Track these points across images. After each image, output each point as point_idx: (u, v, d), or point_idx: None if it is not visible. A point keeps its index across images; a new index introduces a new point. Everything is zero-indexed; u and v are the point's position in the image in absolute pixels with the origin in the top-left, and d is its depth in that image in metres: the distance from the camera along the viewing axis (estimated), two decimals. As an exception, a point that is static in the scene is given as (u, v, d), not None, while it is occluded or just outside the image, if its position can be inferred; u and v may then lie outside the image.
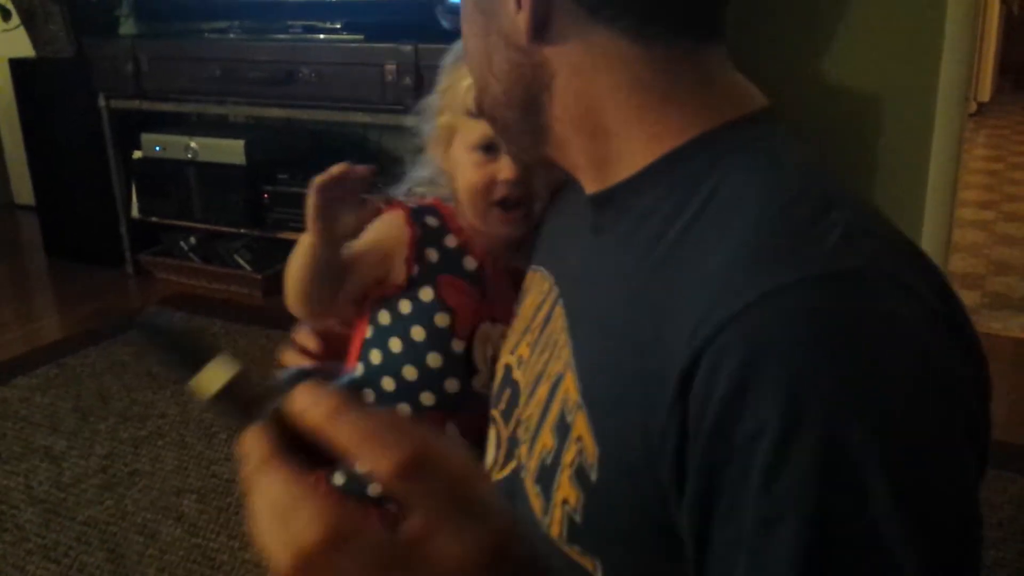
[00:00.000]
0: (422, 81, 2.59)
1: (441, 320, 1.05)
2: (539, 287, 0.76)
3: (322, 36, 2.88)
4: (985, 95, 6.65)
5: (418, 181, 1.11)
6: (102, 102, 3.20)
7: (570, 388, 0.60)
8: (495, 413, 0.77)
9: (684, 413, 0.49)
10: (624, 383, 0.54)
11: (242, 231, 3.14)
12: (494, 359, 1.03)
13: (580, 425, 0.57)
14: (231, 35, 3.12)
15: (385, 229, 1.07)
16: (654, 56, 0.58)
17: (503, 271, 1.06)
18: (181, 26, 3.28)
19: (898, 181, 2.56)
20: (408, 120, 1.10)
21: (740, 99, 0.61)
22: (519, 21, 0.59)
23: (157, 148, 3.19)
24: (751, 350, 0.46)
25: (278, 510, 0.40)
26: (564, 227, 0.79)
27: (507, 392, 0.74)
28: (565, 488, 0.58)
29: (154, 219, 3.30)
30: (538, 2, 0.58)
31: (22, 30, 3.31)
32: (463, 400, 1.05)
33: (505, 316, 1.02)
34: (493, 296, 1.05)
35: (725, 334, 0.47)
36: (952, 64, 2.45)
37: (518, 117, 0.65)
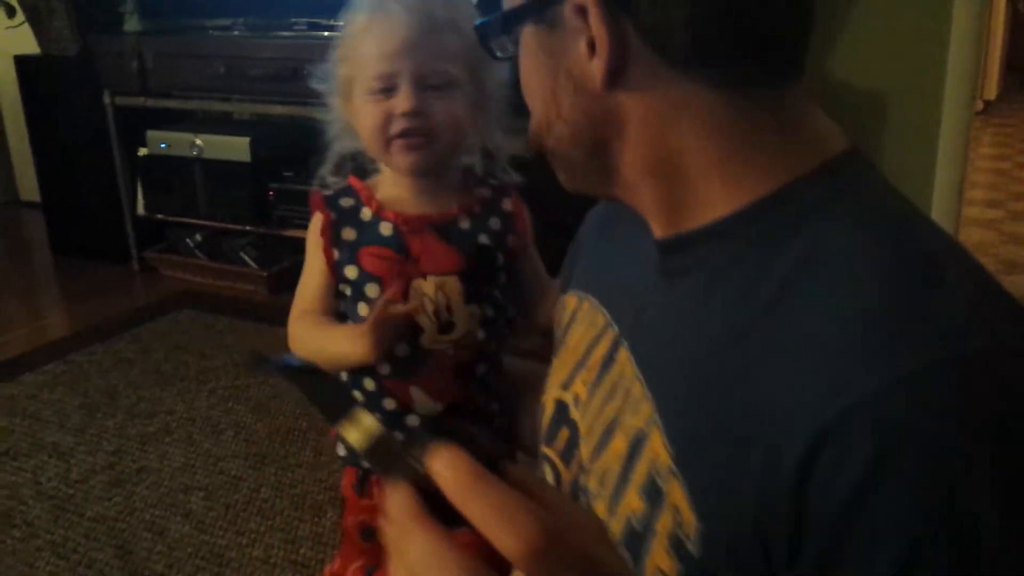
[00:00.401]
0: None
1: (371, 291, 1.08)
2: (590, 319, 0.74)
3: (326, 33, 2.88)
4: (992, 93, 6.64)
5: (337, 155, 1.14)
6: (107, 99, 3.21)
7: (659, 450, 0.57)
8: (549, 452, 0.74)
9: (803, 502, 0.47)
10: (727, 458, 0.52)
11: (247, 228, 3.14)
12: (437, 312, 1.07)
13: (675, 494, 0.55)
14: (235, 32, 3.12)
15: (312, 227, 1.13)
16: (736, 103, 0.57)
17: (421, 224, 1.09)
18: (185, 23, 3.28)
19: (904, 180, 2.54)
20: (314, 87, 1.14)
21: (823, 142, 0.59)
22: (592, 67, 0.57)
23: (162, 145, 3.19)
24: (882, 442, 0.44)
25: (423, 569, 0.40)
26: (616, 258, 0.77)
27: (563, 431, 0.72)
28: (659, 557, 0.56)
29: (160, 216, 3.31)
30: (615, 50, 0.56)
31: (27, 27, 3.32)
32: (417, 362, 1.08)
33: (434, 266, 1.08)
34: (417, 252, 1.08)
35: (851, 422, 0.45)
36: (958, 62, 2.45)
37: (585, 158, 0.63)
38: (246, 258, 3.19)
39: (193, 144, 3.12)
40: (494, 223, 1.13)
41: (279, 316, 2.76)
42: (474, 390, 1.12)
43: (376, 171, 1.15)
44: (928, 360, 0.46)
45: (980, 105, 6.05)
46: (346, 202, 1.11)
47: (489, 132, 1.13)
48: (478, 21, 0.66)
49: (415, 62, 1.03)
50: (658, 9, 0.54)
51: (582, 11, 0.56)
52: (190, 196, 3.18)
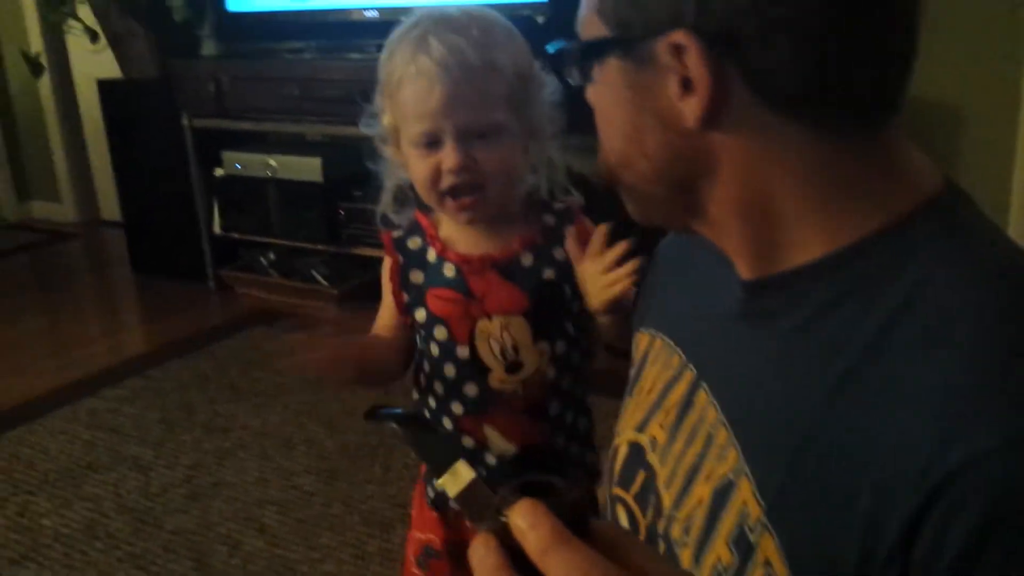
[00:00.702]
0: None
1: (440, 333, 1.08)
2: (664, 359, 0.73)
3: (396, 54, 2.93)
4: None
5: (394, 188, 1.13)
6: (185, 121, 3.31)
7: (748, 501, 0.56)
8: (624, 494, 0.73)
9: (909, 562, 0.46)
10: (825, 514, 0.51)
11: (319, 247, 3.21)
12: (503, 352, 1.06)
13: (768, 548, 0.54)
14: (308, 55, 3.19)
15: (384, 267, 1.13)
16: (833, 146, 0.55)
17: (483, 264, 1.07)
18: (260, 47, 3.37)
19: (979, 195, 2.49)
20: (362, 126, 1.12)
21: (920, 182, 0.58)
22: (686, 106, 0.56)
23: (238, 166, 3.28)
24: (994, 506, 0.43)
25: None
26: (690, 296, 0.75)
27: (640, 475, 0.70)
28: None
29: (235, 235, 3.40)
30: (715, 91, 0.54)
31: (109, 51, 3.44)
32: (488, 402, 1.07)
33: (499, 306, 1.06)
34: (480, 292, 1.06)
35: (961, 483, 0.44)
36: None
37: (668, 195, 0.62)
38: (317, 276, 3.25)
39: (267, 165, 3.19)
40: (559, 253, 1.09)
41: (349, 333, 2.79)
42: (549, 431, 1.10)
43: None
44: None
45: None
46: (414, 243, 1.11)
47: (544, 155, 1.10)
48: (555, 46, 0.65)
49: (456, 117, 1.00)
50: (765, 52, 0.53)
51: (678, 50, 0.54)
52: (264, 215, 3.26)
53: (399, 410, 0.54)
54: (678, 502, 0.63)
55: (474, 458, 1.09)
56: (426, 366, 1.11)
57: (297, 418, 2.43)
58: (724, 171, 0.58)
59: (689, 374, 0.68)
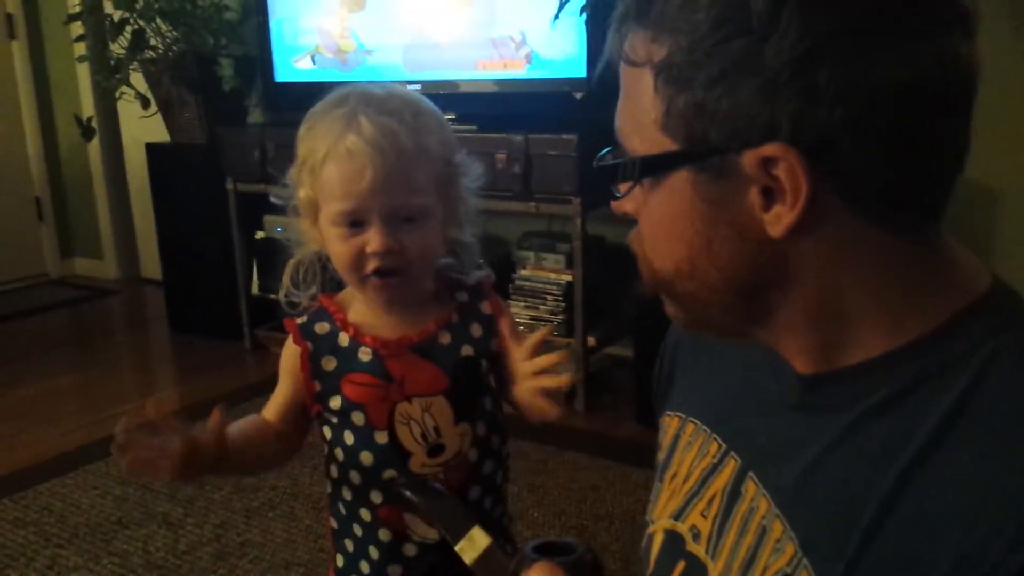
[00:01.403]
0: (531, 168, 2.67)
1: (357, 418, 1.04)
2: (699, 445, 0.73)
3: (435, 125, 3.00)
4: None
5: (299, 263, 1.10)
6: (230, 185, 3.40)
7: None
8: None
9: None
10: None
11: (353, 309, 3.24)
12: (424, 435, 1.02)
13: None
14: (351, 124, 3.27)
15: (286, 355, 1.09)
16: (904, 243, 0.58)
17: (400, 346, 1.04)
18: (305, 115, 3.46)
19: (1017, 275, 2.49)
20: (487, 204, 1.12)
21: (972, 279, 0.60)
22: (771, 217, 0.57)
23: (279, 229, 3.35)
24: None
25: None
26: (721, 381, 0.75)
27: (680, 564, 0.70)
28: None
29: (272, 296, 3.45)
30: (810, 205, 0.55)
31: (158, 117, 3.56)
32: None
33: (419, 387, 1.03)
34: (399, 375, 1.03)
35: None
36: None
37: (733, 303, 0.63)
38: (350, 338, 3.28)
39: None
40: (475, 329, 1.08)
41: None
42: None
43: (338, 276, 1.10)
44: None
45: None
46: (321, 328, 1.06)
47: (461, 237, 1.10)
48: (604, 160, 0.65)
49: (383, 200, 0.97)
50: (857, 161, 0.54)
51: (768, 162, 0.55)
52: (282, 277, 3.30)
53: (412, 482, 0.54)
54: None
55: (391, 552, 1.06)
56: (340, 455, 1.06)
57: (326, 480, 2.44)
58: (802, 276, 0.59)
59: (733, 462, 0.68)
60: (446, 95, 3.02)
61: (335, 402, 1.05)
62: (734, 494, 0.66)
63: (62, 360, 3.63)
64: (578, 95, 2.73)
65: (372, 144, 0.96)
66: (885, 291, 0.58)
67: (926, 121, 0.55)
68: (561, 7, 2.51)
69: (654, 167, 0.61)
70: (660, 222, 0.63)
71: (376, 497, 1.05)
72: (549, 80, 2.79)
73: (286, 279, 1.11)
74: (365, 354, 1.04)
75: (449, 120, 3.28)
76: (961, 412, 0.53)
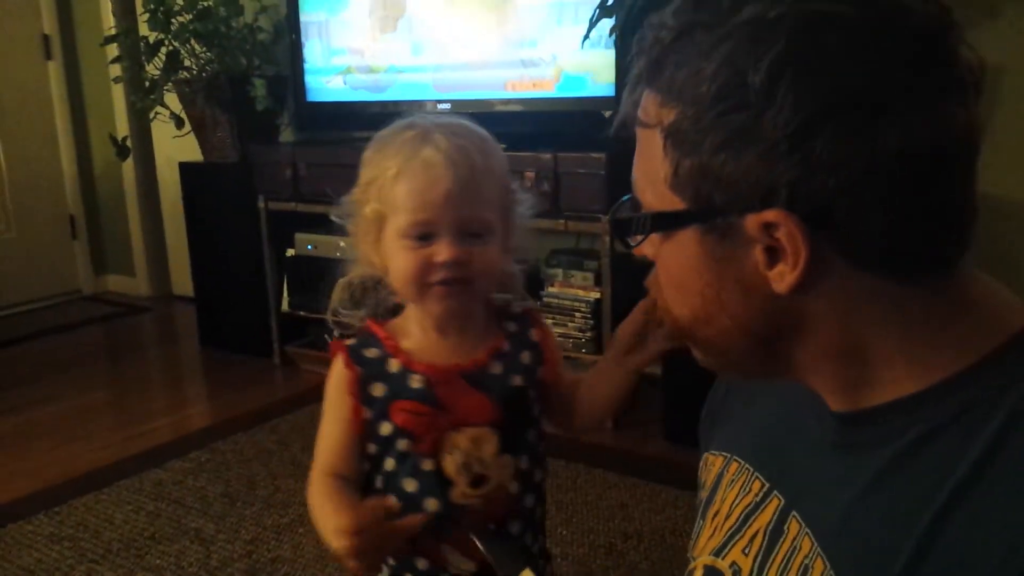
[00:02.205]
0: (559, 187, 2.69)
1: (402, 445, 1.04)
2: (742, 483, 0.74)
3: (465, 144, 3.02)
4: None
5: (351, 285, 1.11)
6: (261, 203, 3.43)
7: None
8: None
9: None
10: None
11: (383, 327, 3.26)
12: (468, 465, 1.02)
13: None
14: (381, 143, 3.31)
15: (335, 382, 1.06)
16: (918, 292, 0.59)
17: (452, 374, 1.04)
18: (336, 135, 3.50)
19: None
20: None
21: (1005, 316, 0.61)
22: (775, 275, 0.59)
23: (309, 247, 3.39)
24: None
25: None
26: (764, 421, 0.76)
27: None
28: None
29: (302, 313, 3.48)
30: (811, 265, 0.58)
31: (192, 136, 3.61)
32: (447, 518, 1.03)
33: (468, 417, 1.03)
34: (450, 403, 1.03)
35: None
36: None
37: (751, 348, 0.65)
38: (380, 356, 3.30)
39: (338, 247, 3.29)
40: (525, 357, 1.09)
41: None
42: None
43: (389, 302, 1.11)
44: None
45: None
46: (370, 352, 1.06)
47: (510, 266, 1.11)
48: (620, 212, 0.67)
49: (456, 212, 1.00)
50: (856, 224, 0.56)
51: (769, 226, 0.58)
52: (331, 295, 3.33)
53: (475, 524, 0.54)
54: None
55: None
56: (378, 482, 1.06)
57: (356, 497, 2.45)
58: (813, 325, 0.61)
59: (776, 501, 0.69)
60: (476, 115, 3.04)
61: (384, 428, 1.05)
62: (776, 533, 0.67)
63: (95, 376, 3.68)
64: (607, 114, 2.74)
65: (448, 156, 0.99)
66: (906, 335, 0.60)
67: (923, 186, 0.56)
68: (591, 27, 2.53)
69: (664, 223, 0.64)
70: (672, 273, 0.66)
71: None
72: (578, 99, 2.81)
73: (336, 298, 1.12)
74: (416, 381, 1.04)
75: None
76: (996, 452, 0.54)
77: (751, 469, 0.73)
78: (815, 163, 0.55)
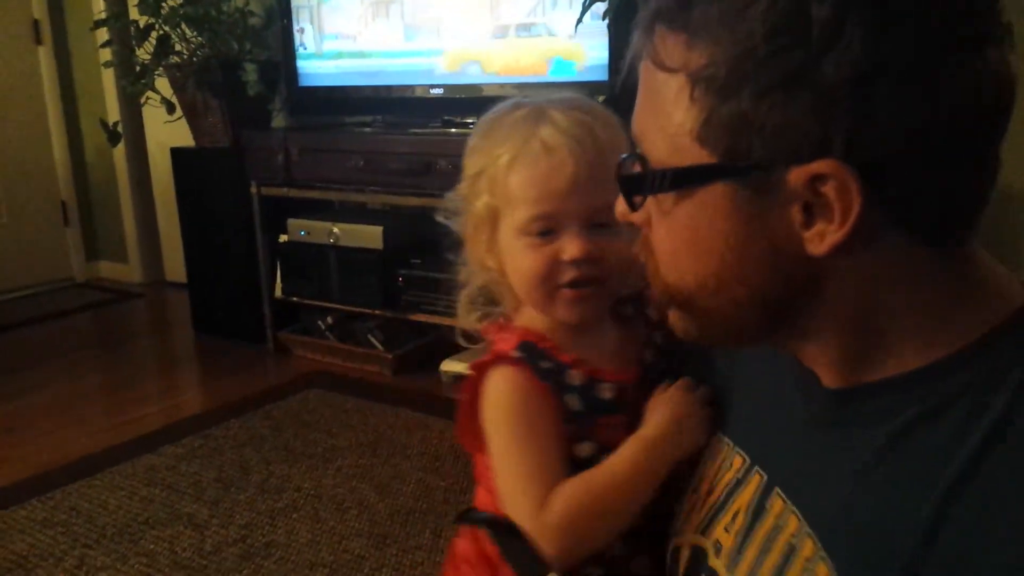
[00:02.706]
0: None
1: (598, 461, 0.86)
2: (723, 458, 0.71)
3: (454, 131, 3.02)
4: None
5: (474, 292, 0.95)
6: (254, 189, 3.42)
7: None
8: None
9: None
10: None
11: (376, 312, 3.27)
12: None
13: None
14: (373, 129, 3.30)
15: (517, 402, 0.87)
16: (944, 258, 0.57)
17: (633, 379, 0.90)
18: (328, 120, 3.49)
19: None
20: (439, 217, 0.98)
21: (1007, 292, 0.59)
22: (813, 234, 0.55)
23: (302, 232, 3.38)
24: None
25: None
26: (743, 397, 0.73)
27: None
28: None
29: (295, 299, 3.48)
30: (860, 224, 0.54)
31: (183, 121, 3.59)
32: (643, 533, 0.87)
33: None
34: (641, 408, 0.88)
35: None
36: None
37: (757, 316, 0.60)
38: (374, 340, 3.30)
39: (330, 232, 3.29)
40: (657, 337, 0.94)
41: (402, 397, 2.82)
42: None
43: (498, 306, 0.96)
44: None
45: None
46: (546, 365, 0.89)
47: None
48: (627, 169, 0.62)
49: (583, 201, 0.85)
50: (911, 178, 0.53)
51: (817, 179, 0.53)
52: (324, 281, 3.34)
53: (490, 515, 0.51)
54: None
55: None
56: None
57: (350, 481, 2.46)
58: (833, 292, 0.58)
59: (758, 477, 0.66)
60: (469, 99, 3.04)
61: (584, 449, 0.87)
62: (758, 510, 0.65)
63: (88, 363, 3.67)
64: (600, 99, 2.73)
65: (570, 135, 0.86)
66: (922, 306, 0.57)
67: (979, 138, 0.53)
68: (584, 10, 2.51)
69: (687, 179, 0.58)
70: (687, 236, 0.60)
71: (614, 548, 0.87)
72: (571, 83, 2.80)
73: (463, 316, 0.96)
74: (605, 391, 0.89)
75: (471, 124, 3.30)
76: (1000, 435, 0.52)
77: (731, 443, 0.71)
78: (877, 112, 0.51)
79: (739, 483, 0.68)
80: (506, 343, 0.90)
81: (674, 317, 0.65)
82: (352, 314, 3.37)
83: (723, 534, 0.67)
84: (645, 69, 0.60)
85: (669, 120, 0.57)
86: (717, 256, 0.59)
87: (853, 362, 0.60)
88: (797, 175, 0.54)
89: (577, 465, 0.86)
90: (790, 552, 0.60)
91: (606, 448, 0.86)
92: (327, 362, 3.41)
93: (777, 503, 0.63)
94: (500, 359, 0.89)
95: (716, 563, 0.67)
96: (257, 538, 2.21)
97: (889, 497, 0.55)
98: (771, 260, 0.57)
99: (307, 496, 2.40)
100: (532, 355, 0.89)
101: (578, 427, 0.87)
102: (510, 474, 0.85)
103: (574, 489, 0.82)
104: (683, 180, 0.58)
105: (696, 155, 0.57)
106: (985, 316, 0.57)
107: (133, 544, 2.20)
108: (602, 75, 2.71)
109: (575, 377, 0.89)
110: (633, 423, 0.86)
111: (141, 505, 2.38)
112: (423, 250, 3.12)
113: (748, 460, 0.68)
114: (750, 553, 0.63)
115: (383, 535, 2.19)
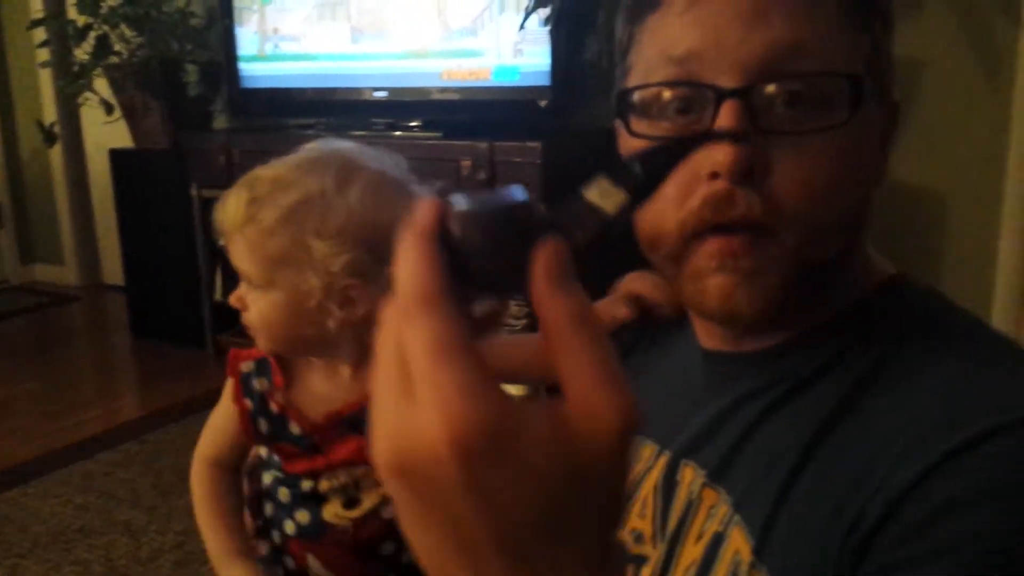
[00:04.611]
0: (496, 175, 2.69)
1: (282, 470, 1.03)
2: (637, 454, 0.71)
3: (401, 133, 3.02)
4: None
5: None
6: (194, 191, 3.38)
7: (741, 548, 0.56)
8: None
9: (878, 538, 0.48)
10: (812, 537, 0.52)
11: (318, 316, 3.24)
12: (345, 487, 1.00)
13: None
14: (316, 131, 3.28)
15: (225, 406, 1.07)
16: None
17: (331, 422, 1.01)
18: (271, 122, 3.46)
19: (965, 278, 2.55)
20: None
21: (877, 265, 0.63)
22: (884, 160, 0.61)
23: (243, 235, 3.34)
24: (976, 490, 0.46)
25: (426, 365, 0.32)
26: (661, 389, 0.74)
27: (631, 569, 0.67)
28: None
29: (235, 302, 3.43)
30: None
31: (122, 122, 3.53)
32: (316, 531, 1.02)
33: (343, 459, 1.00)
34: (328, 450, 1.01)
35: (948, 465, 0.47)
36: (1018, 160, 2.46)
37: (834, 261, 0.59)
38: (316, 345, 3.28)
39: (271, 235, 3.25)
40: None
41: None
42: (381, 569, 1.03)
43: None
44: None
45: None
46: (259, 386, 1.06)
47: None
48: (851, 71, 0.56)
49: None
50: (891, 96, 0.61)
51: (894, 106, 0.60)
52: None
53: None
54: (669, 569, 0.63)
55: None
56: (267, 478, 1.07)
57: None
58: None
59: (664, 458, 0.67)
60: (412, 103, 3.04)
61: (263, 451, 1.07)
62: (669, 485, 0.65)
63: (23, 368, 3.59)
64: (542, 103, 2.76)
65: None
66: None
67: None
68: (527, 16, 2.54)
69: (871, 92, 0.57)
70: (841, 166, 0.55)
71: (288, 527, 1.04)
72: (514, 88, 2.82)
73: None
74: (294, 428, 1.03)
75: (415, 127, 3.30)
76: (879, 369, 0.55)
77: (641, 437, 0.72)
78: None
79: (647, 471, 0.68)
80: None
81: (736, 288, 0.56)
82: (295, 318, 3.34)
83: (639, 521, 0.67)
84: None
85: (841, 35, 0.55)
86: (861, 182, 0.58)
87: (798, 312, 0.60)
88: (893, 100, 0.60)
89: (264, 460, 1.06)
90: (698, 504, 0.62)
91: (278, 464, 1.04)
92: (269, 366, 3.37)
93: (688, 473, 0.64)
94: (231, 366, 1.10)
95: (639, 549, 0.68)
96: (194, 545, 2.18)
97: (778, 434, 0.57)
98: (870, 189, 0.60)
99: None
100: (257, 373, 1.06)
101: (261, 441, 1.05)
102: None
103: (198, 487, 1.15)
104: (865, 95, 0.55)
105: (864, 74, 0.56)
106: (859, 285, 0.60)
107: (67, 553, 2.16)
108: (544, 80, 2.73)
109: (274, 406, 1.03)
110: (314, 456, 1.01)
111: (76, 513, 2.34)
112: (366, 253, 3.11)
113: (656, 447, 0.69)
114: (672, 524, 0.64)
115: (324, 540, 2.18)
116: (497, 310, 0.37)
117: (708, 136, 0.51)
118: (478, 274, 0.34)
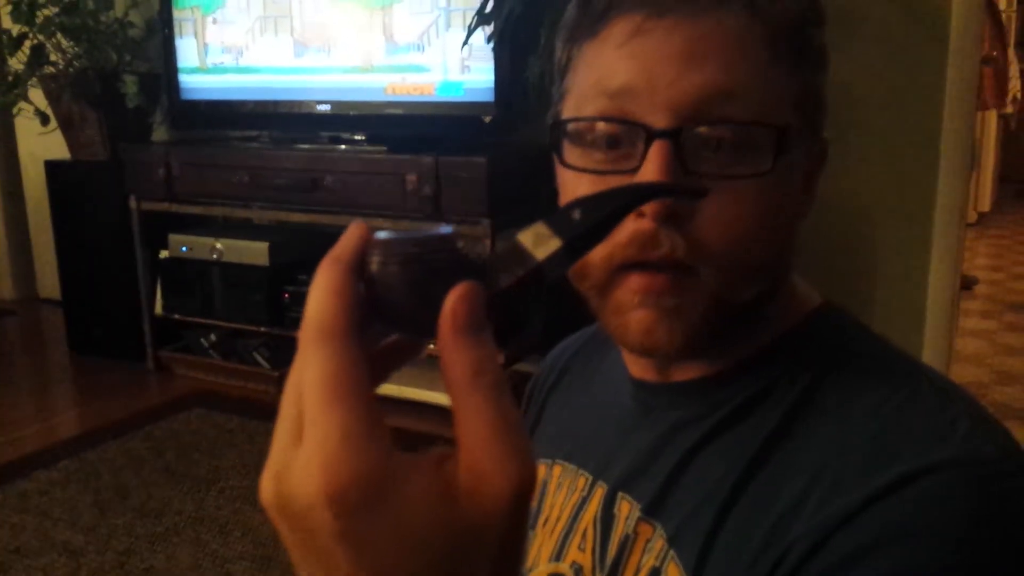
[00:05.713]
0: (441, 190, 2.71)
1: None
2: (568, 484, 0.72)
3: (343, 147, 3.02)
4: (986, 205, 6.79)
5: None
6: (133, 204, 3.33)
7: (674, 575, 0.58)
8: None
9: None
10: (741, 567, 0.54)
11: (261, 329, 3.22)
12: None
13: None
14: (259, 144, 3.27)
15: None
16: None
17: None
18: (212, 134, 3.43)
19: (898, 293, 2.63)
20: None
21: (805, 296, 0.64)
22: (809, 199, 0.63)
23: (184, 248, 3.31)
24: (899, 531, 0.48)
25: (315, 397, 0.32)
26: (578, 413, 0.75)
27: None
28: None
29: (176, 316, 3.39)
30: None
31: (59, 134, 3.47)
32: None
33: None
34: None
35: (873, 507, 0.49)
36: (948, 177, 2.55)
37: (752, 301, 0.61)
38: (259, 358, 3.26)
39: (213, 248, 3.23)
40: None
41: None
42: None
43: None
44: (949, 455, 0.50)
45: (974, 216, 6.19)
46: None
47: None
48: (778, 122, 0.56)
49: None
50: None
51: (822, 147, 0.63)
52: (208, 297, 3.27)
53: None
54: None
55: None
56: None
57: (233, 503, 2.42)
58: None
59: (600, 490, 0.67)
60: (356, 116, 3.04)
61: None
62: (607, 519, 0.66)
63: (-47, 384, 3.50)
64: (487, 119, 2.78)
65: None
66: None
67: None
68: (470, 33, 2.56)
69: (796, 141, 0.57)
70: (764, 211, 0.57)
71: None
72: (459, 103, 2.84)
73: None
74: None
75: (359, 142, 3.29)
76: (804, 407, 0.57)
77: (575, 468, 0.72)
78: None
79: (584, 501, 0.69)
80: None
81: (671, 319, 0.58)
82: (237, 331, 3.31)
83: (578, 554, 0.67)
84: (731, 17, 0.55)
85: (771, 83, 0.56)
86: (780, 230, 0.59)
87: (724, 347, 0.63)
88: (823, 143, 0.62)
89: None
90: (634, 539, 0.63)
91: None
92: (210, 381, 3.33)
93: (624, 506, 0.65)
94: None
95: None
96: (135, 564, 2.15)
97: (711, 468, 0.59)
98: (793, 232, 0.62)
99: (188, 519, 2.35)
100: None
101: None
102: None
103: None
104: (792, 141, 0.56)
105: (790, 120, 0.57)
106: (786, 320, 0.63)
107: (2, 575, 2.11)
108: (488, 96, 2.76)
109: None
110: None
111: (11, 533, 2.29)
112: (310, 266, 3.08)
113: (591, 477, 0.69)
114: (610, 557, 0.65)
115: (267, 557, 2.16)
116: (413, 345, 0.37)
117: (652, 190, 0.52)
118: (389, 310, 0.33)
